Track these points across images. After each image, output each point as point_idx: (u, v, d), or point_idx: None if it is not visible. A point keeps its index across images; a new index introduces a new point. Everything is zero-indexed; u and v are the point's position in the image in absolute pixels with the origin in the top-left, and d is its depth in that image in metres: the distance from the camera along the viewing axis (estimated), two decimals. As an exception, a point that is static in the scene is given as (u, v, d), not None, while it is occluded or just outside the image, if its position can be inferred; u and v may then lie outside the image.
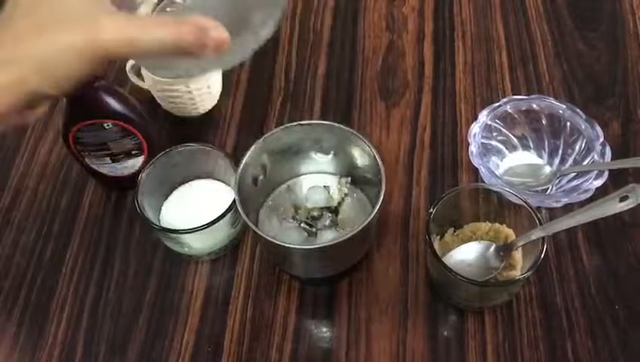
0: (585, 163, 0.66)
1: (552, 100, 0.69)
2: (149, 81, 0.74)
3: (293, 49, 0.85)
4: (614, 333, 0.60)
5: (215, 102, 0.78)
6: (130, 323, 0.64)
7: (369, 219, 0.56)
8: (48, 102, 0.43)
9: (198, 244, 0.64)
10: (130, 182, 0.66)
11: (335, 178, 0.67)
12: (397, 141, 0.75)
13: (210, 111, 0.78)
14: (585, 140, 0.67)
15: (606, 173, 0.63)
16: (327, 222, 0.65)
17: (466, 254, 0.60)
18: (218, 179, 0.69)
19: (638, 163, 0.66)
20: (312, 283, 0.66)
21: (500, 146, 0.71)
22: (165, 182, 0.68)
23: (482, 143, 0.67)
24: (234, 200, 0.59)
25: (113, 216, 0.71)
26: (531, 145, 0.71)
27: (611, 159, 0.65)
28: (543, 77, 0.79)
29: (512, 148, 0.71)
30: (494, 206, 0.62)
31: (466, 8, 0.87)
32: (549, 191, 0.68)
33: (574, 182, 0.65)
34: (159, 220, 0.67)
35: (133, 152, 0.67)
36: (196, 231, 0.61)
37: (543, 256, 0.56)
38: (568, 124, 0.68)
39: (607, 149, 0.65)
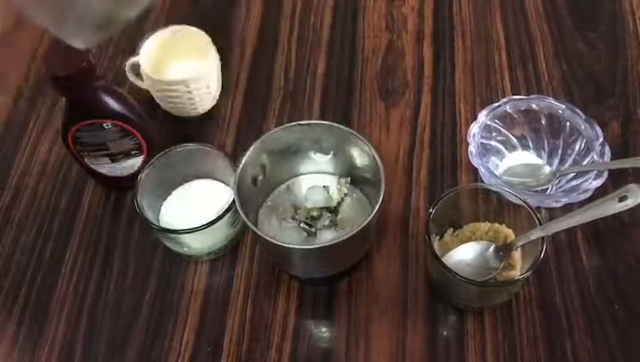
0: (584, 163, 0.66)
1: (551, 100, 0.69)
2: (148, 81, 0.74)
3: (292, 48, 0.84)
4: (614, 333, 0.60)
5: (214, 102, 0.78)
6: (129, 323, 0.64)
7: (368, 219, 0.56)
8: None
9: (197, 244, 0.64)
10: (129, 182, 0.66)
11: (334, 178, 0.67)
12: (396, 141, 0.75)
13: (209, 111, 0.78)
14: (584, 140, 0.67)
15: (605, 173, 0.63)
16: (327, 222, 0.65)
17: (465, 254, 0.60)
18: (217, 179, 0.69)
19: (638, 163, 0.66)
20: (312, 283, 0.66)
21: (500, 146, 0.71)
22: (164, 182, 0.68)
23: (482, 143, 0.67)
24: (233, 201, 0.59)
25: (112, 216, 0.71)
26: (531, 145, 0.71)
27: (611, 159, 0.65)
28: (542, 77, 0.79)
29: (512, 148, 0.71)
30: (494, 206, 0.62)
31: (465, 8, 0.87)
32: (548, 191, 0.68)
33: (574, 182, 0.65)
34: (158, 220, 0.67)
35: (133, 152, 0.67)
36: (195, 231, 0.61)
37: (542, 256, 0.56)
38: (568, 124, 0.68)
39: (607, 149, 0.65)
